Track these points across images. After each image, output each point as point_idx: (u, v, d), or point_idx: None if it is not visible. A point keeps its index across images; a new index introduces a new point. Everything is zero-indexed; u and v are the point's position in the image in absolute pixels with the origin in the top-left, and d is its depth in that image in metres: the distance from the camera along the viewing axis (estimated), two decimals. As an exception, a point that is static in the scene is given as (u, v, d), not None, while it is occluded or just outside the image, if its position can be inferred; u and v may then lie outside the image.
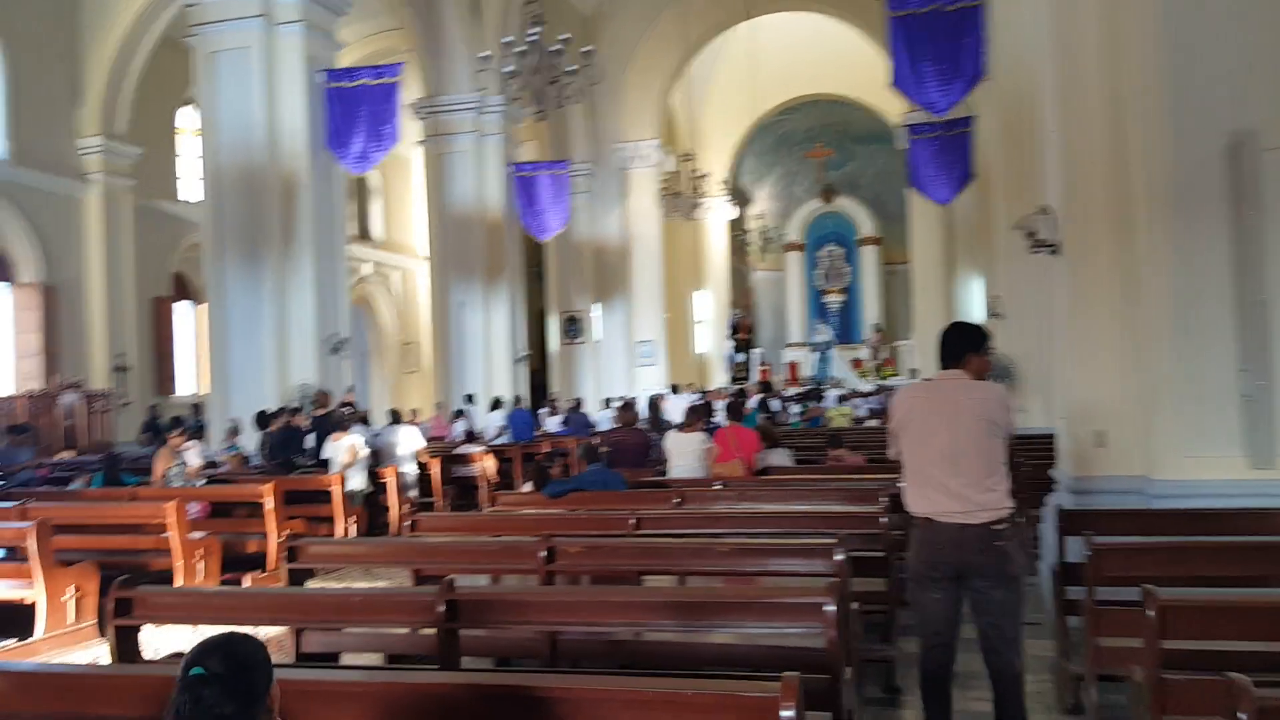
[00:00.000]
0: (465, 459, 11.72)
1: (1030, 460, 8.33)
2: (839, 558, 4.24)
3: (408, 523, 5.81)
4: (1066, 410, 6.33)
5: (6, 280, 18.96)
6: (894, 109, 24.37)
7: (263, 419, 10.94)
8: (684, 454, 7.94)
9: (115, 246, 20.86)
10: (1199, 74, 5.27)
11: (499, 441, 14.44)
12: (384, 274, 29.55)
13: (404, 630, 4.40)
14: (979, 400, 4.00)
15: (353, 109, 13.88)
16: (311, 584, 7.29)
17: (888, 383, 26.29)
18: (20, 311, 19.10)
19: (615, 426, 9.05)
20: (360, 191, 29.67)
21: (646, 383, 24.96)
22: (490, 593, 4.12)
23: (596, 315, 25.73)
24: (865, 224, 35.46)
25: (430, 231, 20.21)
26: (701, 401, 11.78)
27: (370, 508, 9.70)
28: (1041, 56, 6.93)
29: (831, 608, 3.37)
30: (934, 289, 25.17)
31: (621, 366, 26.06)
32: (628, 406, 9.28)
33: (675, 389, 18.72)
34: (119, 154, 20.86)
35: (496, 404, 15.60)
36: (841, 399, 16.55)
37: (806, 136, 35.87)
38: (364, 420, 11.44)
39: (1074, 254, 5.98)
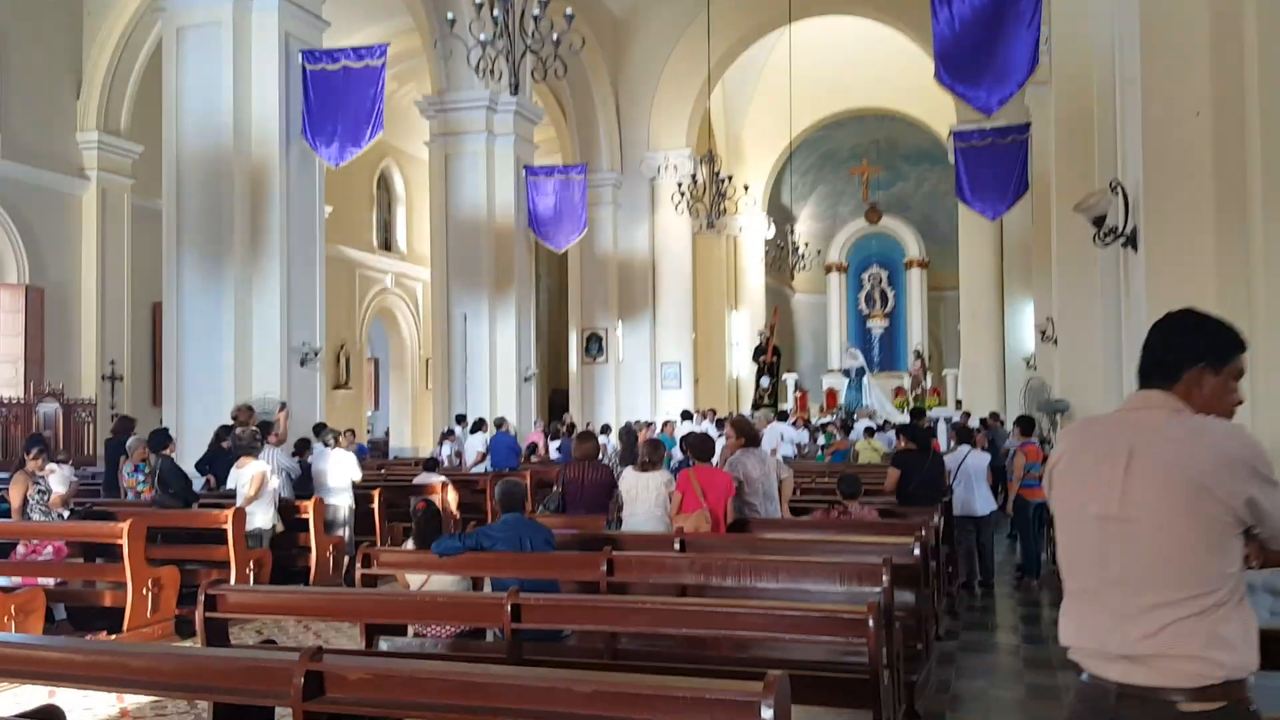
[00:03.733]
0: (423, 490, 10.22)
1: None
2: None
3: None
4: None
5: (-11, 281, 17.94)
6: (946, 123, 22.62)
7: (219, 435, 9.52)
8: (642, 499, 6.35)
9: (111, 248, 19.82)
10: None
11: (479, 469, 12.95)
12: (406, 286, 28.41)
13: None
14: (1186, 448, 2.21)
15: (333, 95, 12.58)
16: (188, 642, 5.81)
17: (931, 414, 24.37)
18: (2, 314, 18.06)
19: (570, 461, 7.45)
20: (383, 199, 28.63)
21: (672, 407, 23.35)
22: None
23: (620, 334, 24.22)
24: (912, 246, 33.67)
25: (433, 237, 18.88)
26: (700, 430, 10.20)
27: (289, 549, 8.23)
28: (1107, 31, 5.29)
29: None
30: (984, 315, 23.27)
31: (645, 389, 24.50)
32: (586, 436, 7.63)
33: (688, 415, 17.01)
34: (118, 150, 19.85)
35: (478, 426, 14.12)
36: (870, 431, 14.81)
37: (852, 154, 34.23)
38: (300, 444, 9.97)
39: (1156, 245, 4.30)
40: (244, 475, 7.77)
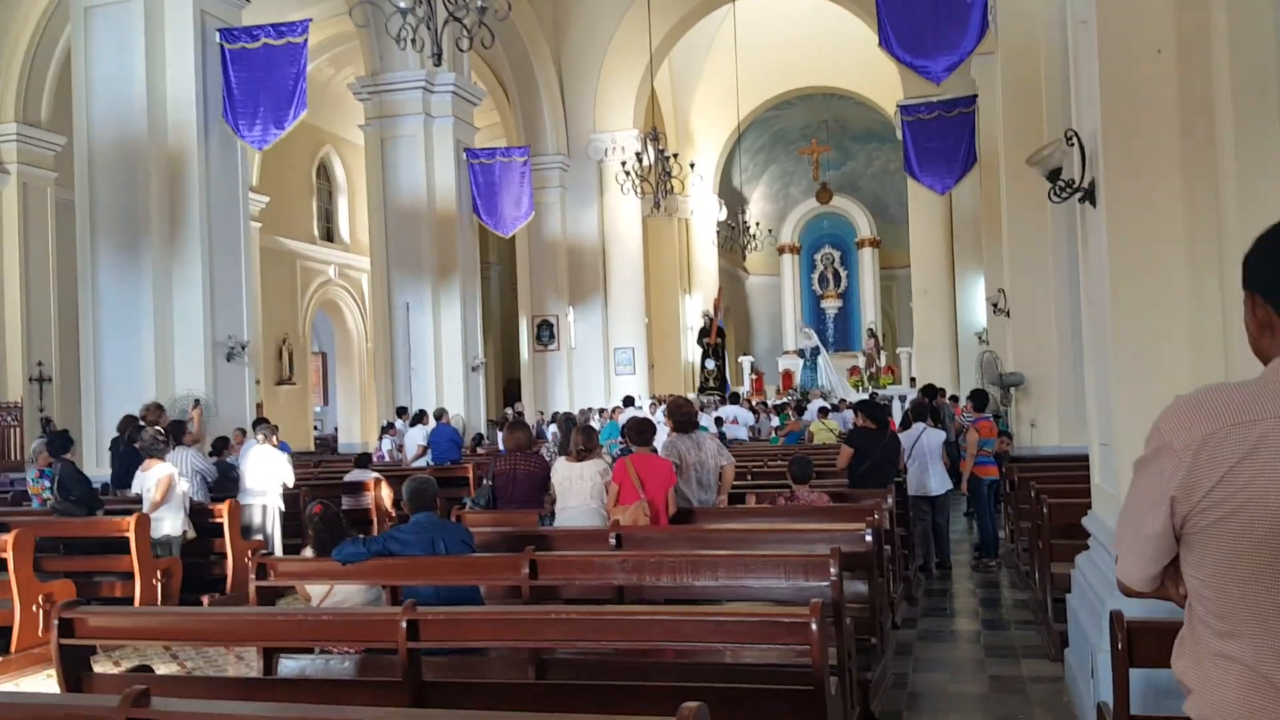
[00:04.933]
0: (357, 488, 9.69)
1: (1054, 494, 6.29)
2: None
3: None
4: (1108, 432, 4.27)
5: (-100, 279, 17.02)
6: (894, 102, 22.36)
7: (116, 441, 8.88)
8: (575, 491, 5.90)
9: (34, 243, 18.92)
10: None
11: (420, 464, 12.41)
12: (350, 277, 27.67)
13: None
14: None
15: (254, 74, 11.92)
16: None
17: (885, 391, 24.20)
18: (-83, 314, 17.17)
19: (503, 453, 6.96)
20: (323, 188, 27.83)
21: (626, 393, 22.92)
22: None
23: (571, 320, 23.73)
24: (864, 225, 33.55)
25: (372, 224, 18.24)
26: (641, 415, 9.75)
27: (204, 556, 7.66)
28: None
29: None
30: (935, 292, 23.09)
31: (598, 375, 24.04)
32: (517, 425, 7.12)
33: (630, 401, 16.49)
34: (38, 142, 18.93)
35: (419, 418, 13.57)
36: (824, 411, 14.49)
37: (802, 134, 33.98)
38: (219, 442, 9.35)
39: (1117, 197, 3.93)
40: (149, 479, 7.20)
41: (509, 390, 30.19)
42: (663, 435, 6.57)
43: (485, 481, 6.69)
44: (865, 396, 23.13)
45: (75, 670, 3.25)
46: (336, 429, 28.28)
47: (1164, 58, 3.73)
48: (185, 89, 11.78)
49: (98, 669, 3.51)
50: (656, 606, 3.28)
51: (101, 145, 11.75)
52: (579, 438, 6.05)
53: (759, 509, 6.30)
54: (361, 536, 4.49)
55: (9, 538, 5.67)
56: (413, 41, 8.84)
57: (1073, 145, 4.27)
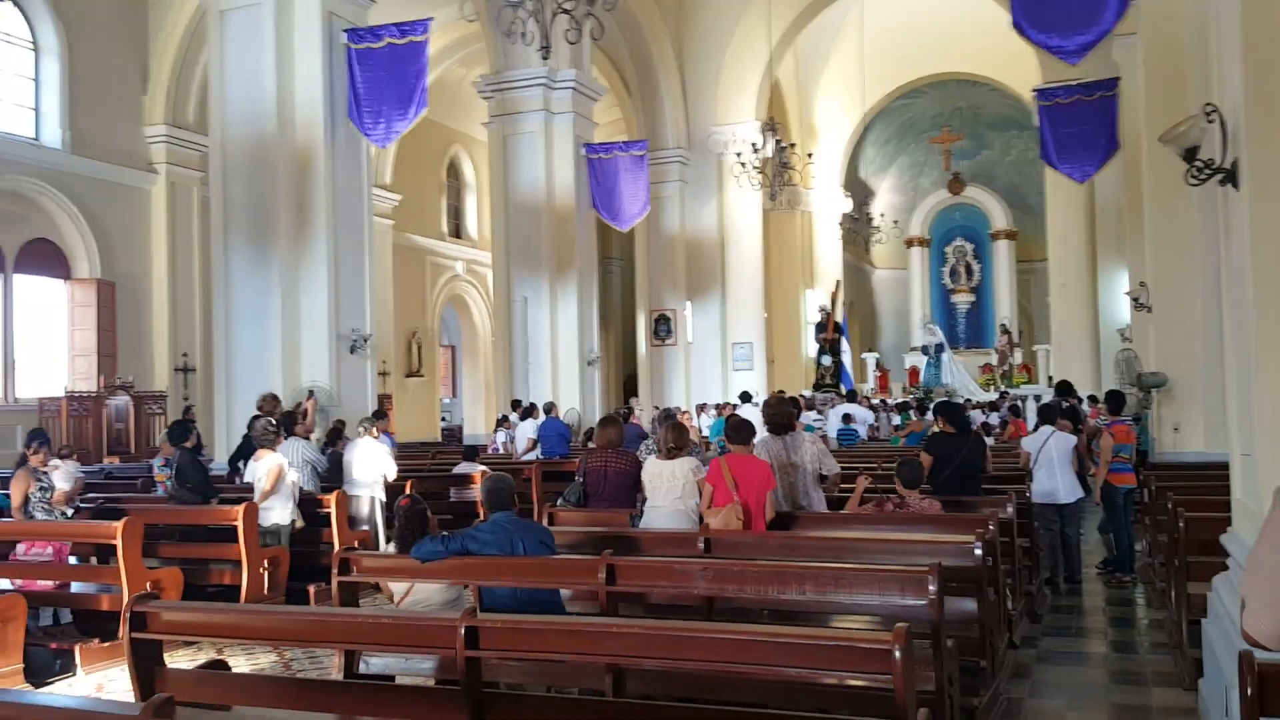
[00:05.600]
0: (464, 480, 9.75)
1: (1193, 507, 5.75)
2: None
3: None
4: (1249, 440, 3.82)
5: (62, 275, 18.17)
6: (1031, 87, 21.31)
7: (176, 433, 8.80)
8: (664, 489, 5.69)
9: (180, 240, 19.95)
10: None
11: (529, 457, 12.46)
12: (477, 273, 28.25)
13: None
14: None
15: (378, 73, 12.18)
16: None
17: (1019, 391, 23.15)
18: (76, 308, 18.31)
19: (593, 449, 6.80)
20: (453, 186, 28.50)
21: (743, 388, 22.59)
22: None
23: (689, 314, 23.54)
24: (999, 217, 32.18)
25: (493, 219, 18.48)
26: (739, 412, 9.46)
27: (313, 546, 7.83)
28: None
29: None
30: (1075, 286, 21.91)
31: (716, 371, 23.78)
32: (609, 420, 6.93)
33: (747, 396, 16.15)
34: (185, 143, 19.92)
35: (529, 412, 13.63)
36: (949, 412, 13.79)
37: (933, 123, 32.83)
38: (332, 434, 9.58)
39: (1262, 178, 3.48)
40: (260, 468, 7.41)
41: (628, 385, 30.25)
42: (762, 434, 6.30)
43: (577, 479, 6.57)
44: (995, 395, 22.20)
45: (147, 665, 3.27)
46: (462, 421, 28.93)
47: (1320, 20, 3.29)
48: (312, 88, 12.12)
49: (176, 664, 3.54)
50: (726, 625, 3.06)
51: (234, 144, 12.21)
52: (668, 435, 5.84)
53: (865, 516, 5.96)
54: (444, 534, 4.43)
55: (119, 525, 5.89)
56: (523, 35, 8.83)
57: (1213, 121, 3.83)
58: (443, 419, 29.47)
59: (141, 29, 19.34)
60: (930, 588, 3.70)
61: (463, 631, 2.91)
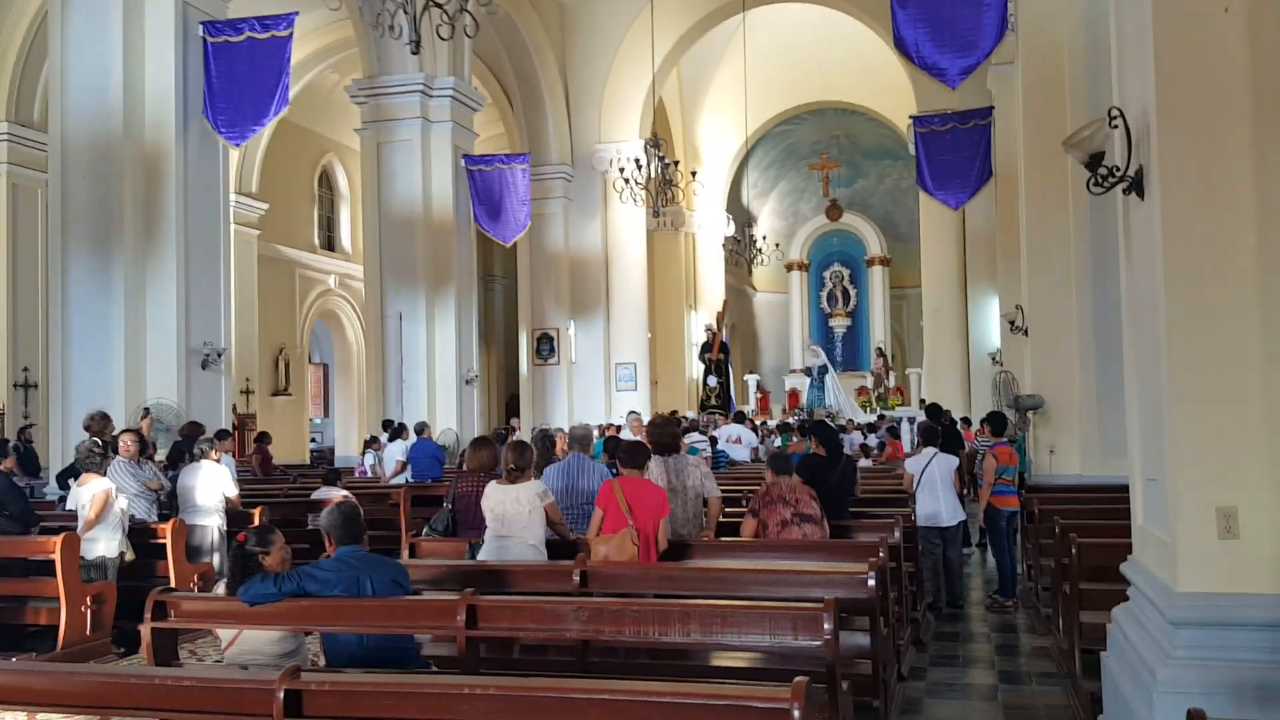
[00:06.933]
0: (322, 506, 9.05)
1: (1082, 531, 5.61)
2: None
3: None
4: (1156, 464, 3.61)
5: (-120, 280, 16.52)
6: (907, 118, 21.80)
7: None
8: (508, 519, 5.16)
9: (24, 246, 18.45)
10: None
11: (398, 480, 11.78)
12: (351, 287, 27.20)
13: None
14: None
15: (236, 68, 11.40)
16: None
17: (894, 413, 23.52)
18: (-102, 317, 16.66)
19: (464, 472, 6.25)
20: (325, 197, 27.41)
21: (627, 408, 22.28)
22: None
23: (572, 334, 23.12)
24: (874, 243, 32.93)
25: (366, 230, 17.70)
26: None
27: (147, 579, 7.02)
28: None
29: None
30: (947, 311, 22.44)
31: (599, 391, 23.39)
32: (481, 442, 6.33)
33: (740, 418, 15.61)
34: (31, 143, 18.48)
35: (397, 433, 12.95)
36: (830, 433, 13.71)
37: (813, 149, 33.43)
38: (174, 455, 8.77)
39: (1175, 184, 3.29)
40: (84, 494, 6.59)
41: (511, 405, 29.61)
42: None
43: (445, 505, 6.02)
44: (874, 417, 22.48)
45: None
46: (334, 443, 27.74)
47: (1232, 17, 3.11)
48: (164, 83, 11.26)
49: None
50: (598, 682, 2.63)
51: (75, 140, 11.22)
52: (509, 455, 5.29)
53: (755, 543, 5.62)
54: (274, 573, 3.86)
55: (-97, 561, 5.05)
56: (391, 28, 8.30)
57: (1116, 127, 3.64)
58: (313, 440, 28.18)
59: (-21, 17, 17.90)
60: (826, 625, 3.35)
61: (281, 695, 2.39)
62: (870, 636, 4.29)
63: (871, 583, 4.26)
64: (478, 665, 3.71)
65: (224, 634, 4.06)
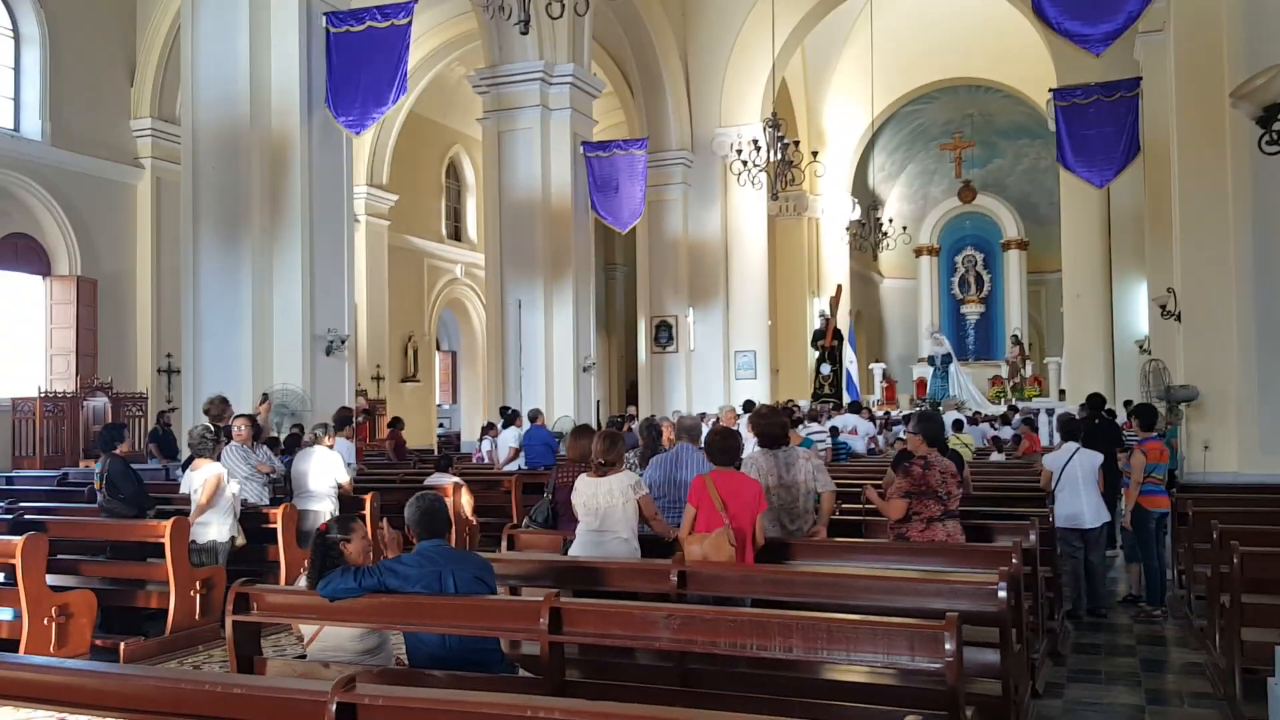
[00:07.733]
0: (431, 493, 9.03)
1: (1243, 538, 5.01)
2: None
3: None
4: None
5: (41, 272, 17.53)
6: (1045, 93, 20.62)
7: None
8: (602, 513, 4.93)
9: (166, 237, 19.28)
10: None
11: (511, 467, 11.74)
12: (476, 276, 27.64)
13: None
14: None
15: (356, 58, 11.54)
16: None
17: (1030, 404, 22.36)
18: (54, 305, 17.67)
19: (562, 462, 6.01)
20: (452, 188, 27.93)
21: (746, 396, 21.85)
22: None
23: (691, 321, 22.83)
24: (1010, 226, 31.44)
25: (487, 219, 17.82)
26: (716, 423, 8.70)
27: (258, 564, 7.09)
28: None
29: None
30: (1090, 297, 21.14)
31: (718, 379, 23.05)
32: (582, 431, 6.07)
33: (751, 405, 15.27)
34: (173, 138, 19.25)
35: (512, 419, 12.91)
36: (958, 424, 13.08)
37: (944, 130, 32.12)
38: (290, 440, 8.87)
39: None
40: (196, 479, 6.69)
41: (631, 393, 29.58)
42: (749, 449, 5.53)
43: (546, 496, 5.81)
44: (1004, 408, 21.40)
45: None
46: (460, 429, 28.28)
47: None
48: (289, 73, 11.49)
49: None
50: (675, 711, 2.35)
51: (206, 132, 11.58)
52: (599, 446, 5.00)
53: (866, 543, 5.22)
54: (355, 567, 3.72)
55: (19, 542, 5.16)
56: (501, 8, 8.18)
57: (1300, 76, 3.12)
58: (440, 426, 28.79)
59: (129, 18, 18.77)
60: (948, 645, 2.98)
61: (334, 708, 2.21)
62: (1000, 653, 3.87)
63: (1002, 594, 3.82)
64: (563, 671, 3.48)
65: (305, 629, 3.97)
